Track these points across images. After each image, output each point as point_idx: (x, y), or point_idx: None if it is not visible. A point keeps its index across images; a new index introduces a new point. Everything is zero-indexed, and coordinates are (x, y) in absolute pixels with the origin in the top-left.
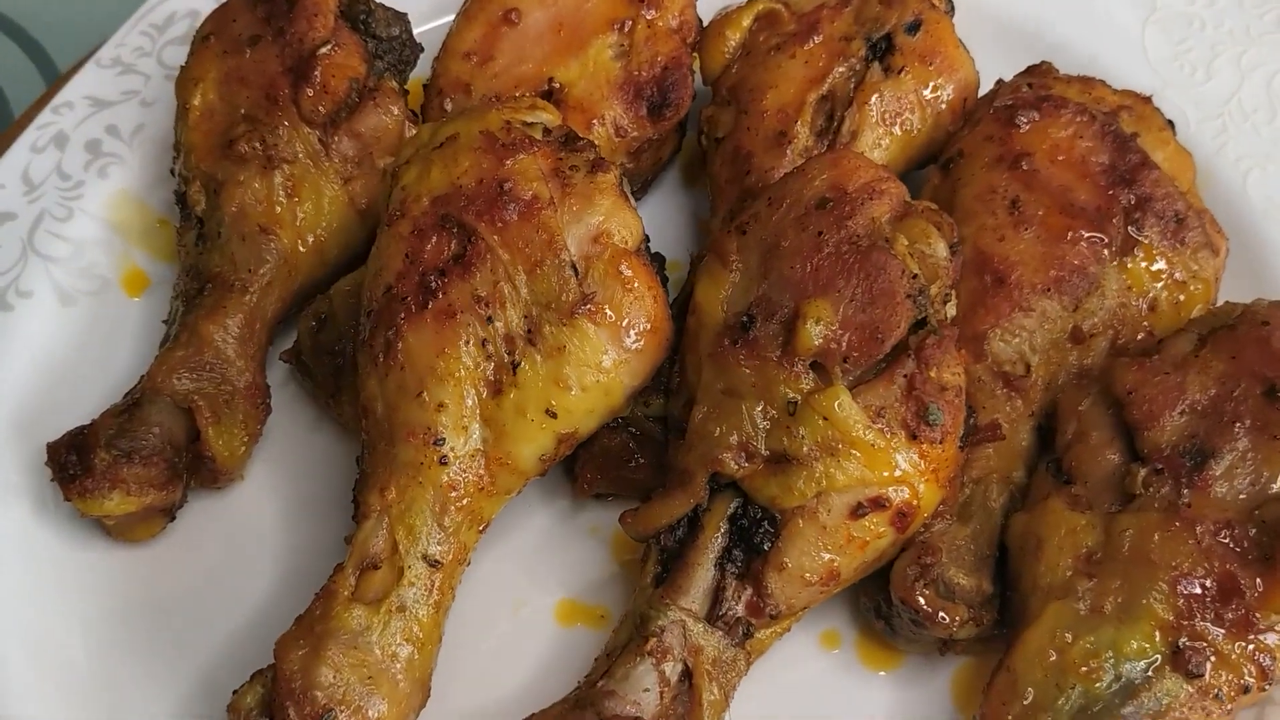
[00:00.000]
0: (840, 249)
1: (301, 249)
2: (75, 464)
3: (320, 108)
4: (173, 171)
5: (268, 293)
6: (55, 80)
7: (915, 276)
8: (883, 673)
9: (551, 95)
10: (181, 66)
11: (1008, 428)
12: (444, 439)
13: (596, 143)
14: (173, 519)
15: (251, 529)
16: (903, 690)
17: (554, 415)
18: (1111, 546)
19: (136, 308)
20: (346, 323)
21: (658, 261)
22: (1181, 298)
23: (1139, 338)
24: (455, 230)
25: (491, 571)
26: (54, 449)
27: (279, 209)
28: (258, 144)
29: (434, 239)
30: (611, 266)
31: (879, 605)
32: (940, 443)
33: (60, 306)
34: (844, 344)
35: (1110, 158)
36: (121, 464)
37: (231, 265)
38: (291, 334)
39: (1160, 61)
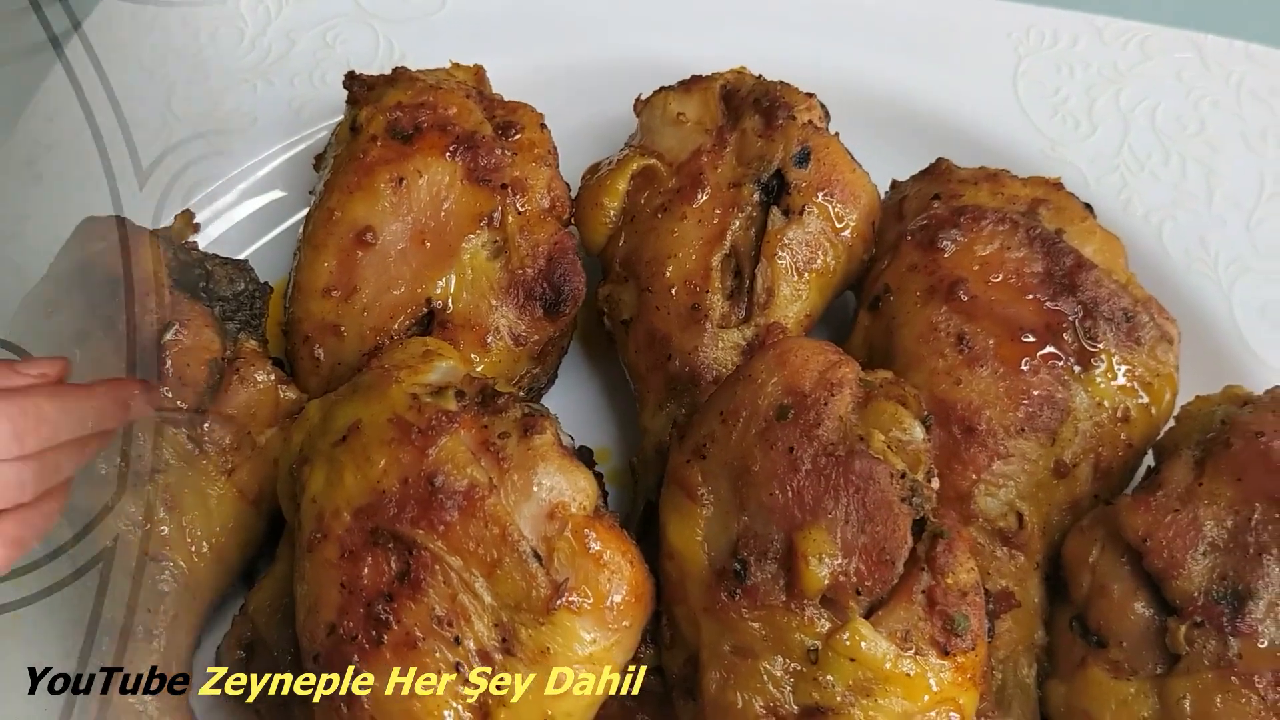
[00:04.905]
0: (818, 464)
1: (200, 563)
2: None
3: (181, 404)
4: None
5: (176, 629)
6: None
7: (904, 476)
8: None
9: (434, 317)
10: None
11: (1018, 590)
12: None
13: (497, 359)
14: None
15: None
16: None
17: None
18: (1171, 716)
19: None
20: (279, 646)
21: (585, 456)
22: (1148, 399)
23: (1119, 454)
24: (391, 545)
25: None
26: None
27: (164, 529)
28: (118, 460)
29: (369, 559)
30: (577, 543)
31: None
32: (973, 648)
33: None
34: (853, 574)
35: (1044, 265)
36: None
37: (125, 610)
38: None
39: (1041, 118)
